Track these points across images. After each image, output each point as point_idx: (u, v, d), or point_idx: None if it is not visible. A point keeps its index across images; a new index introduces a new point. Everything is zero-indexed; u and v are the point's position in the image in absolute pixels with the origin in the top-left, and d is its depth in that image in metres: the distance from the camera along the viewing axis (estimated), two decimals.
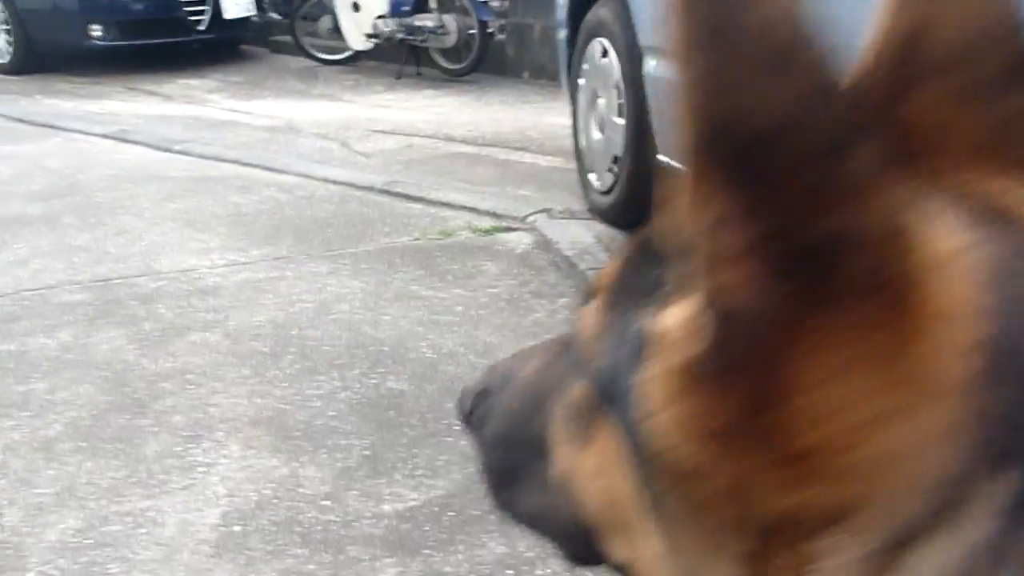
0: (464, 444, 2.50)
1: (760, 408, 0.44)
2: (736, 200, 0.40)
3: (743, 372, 0.44)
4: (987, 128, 0.53)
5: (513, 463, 0.76)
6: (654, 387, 0.48)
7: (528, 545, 2.10)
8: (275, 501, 2.30)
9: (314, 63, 9.65)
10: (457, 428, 2.59)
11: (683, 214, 0.44)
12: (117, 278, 3.79)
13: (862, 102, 0.45)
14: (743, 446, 0.45)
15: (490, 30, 8.41)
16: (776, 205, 0.39)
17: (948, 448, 0.41)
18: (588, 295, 0.63)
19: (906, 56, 0.54)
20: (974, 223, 0.45)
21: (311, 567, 2.06)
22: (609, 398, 0.56)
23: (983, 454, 0.41)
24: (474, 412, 0.83)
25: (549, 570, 2.03)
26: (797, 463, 0.44)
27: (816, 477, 0.43)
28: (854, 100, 0.41)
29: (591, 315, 0.61)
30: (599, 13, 4.25)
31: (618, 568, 0.65)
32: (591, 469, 0.61)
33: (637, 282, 0.56)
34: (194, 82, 9.06)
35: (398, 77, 8.80)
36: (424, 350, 3.09)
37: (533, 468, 0.71)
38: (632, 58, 3.85)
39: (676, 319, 0.47)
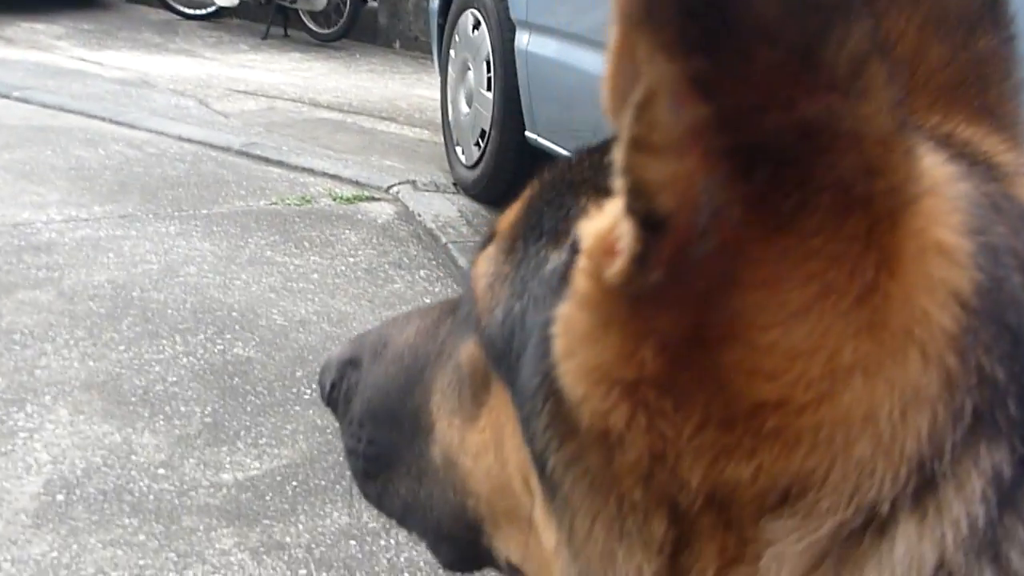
0: (312, 413, 2.42)
1: (698, 350, 0.36)
2: (682, 68, 0.30)
3: (675, 300, 0.35)
4: (957, 69, 0.48)
5: (385, 445, 0.65)
6: (559, 329, 0.40)
7: (372, 516, 2.05)
8: (104, 469, 2.17)
9: (174, 16, 9.16)
10: (306, 397, 2.51)
11: (607, 89, 0.34)
12: None
13: None
14: (673, 400, 0.37)
15: None
16: (737, 79, 0.30)
17: (923, 411, 0.35)
18: (486, 239, 0.54)
19: None
20: (950, 162, 0.39)
21: (140, 537, 1.95)
22: (500, 359, 0.48)
23: (963, 421, 0.35)
24: (337, 386, 0.71)
25: (393, 540, 1.99)
26: (745, 423, 0.36)
27: (769, 441, 0.36)
28: None
29: (487, 262, 0.52)
30: None
31: (509, 572, 0.56)
32: (477, 445, 0.53)
33: (543, 221, 0.48)
34: (40, 26, 8.44)
35: (264, 37, 8.47)
36: (275, 317, 2.98)
37: (409, 450, 0.62)
38: (504, 31, 3.82)
39: (588, 233, 0.38)
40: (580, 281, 0.38)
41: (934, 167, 0.37)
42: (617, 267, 0.35)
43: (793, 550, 0.36)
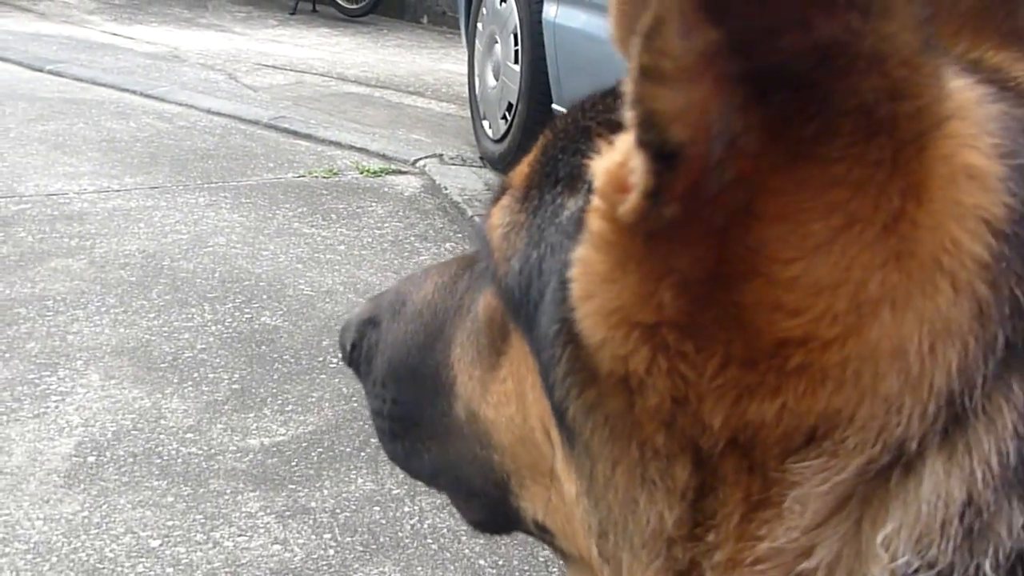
0: (338, 382, 2.45)
1: (718, 289, 0.35)
2: None
3: (692, 237, 0.34)
4: None
5: (409, 403, 0.64)
6: (576, 273, 0.39)
7: (397, 482, 2.07)
8: (134, 432, 2.20)
9: None
10: (332, 365, 2.53)
11: (614, 17, 0.34)
12: None
13: None
14: (694, 341, 0.36)
15: None
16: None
17: (953, 344, 0.33)
18: (500, 191, 0.53)
19: None
20: (980, 86, 0.37)
21: (169, 499, 1.98)
22: (518, 308, 0.47)
23: (995, 354, 0.33)
24: (358, 346, 0.70)
25: (416, 507, 2.01)
26: (769, 361, 0.35)
27: (794, 379, 0.35)
28: None
29: (501, 212, 0.51)
30: None
31: (537, 532, 0.54)
32: (499, 396, 0.52)
33: (559, 168, 0.47)
34: (72, 1, 8.52)
35: (292, 12, 8.48)
36: (302, 287, 3.00)
37: (433, 408, 0.61)
38: (531, 3, 3.80)
39: (599, 170, 0.36)
40: (594, 221, 0.37)
41: (962, 89, 0.35)
42: (630, 203, 0.34)
43: (818, 491, 0.35)
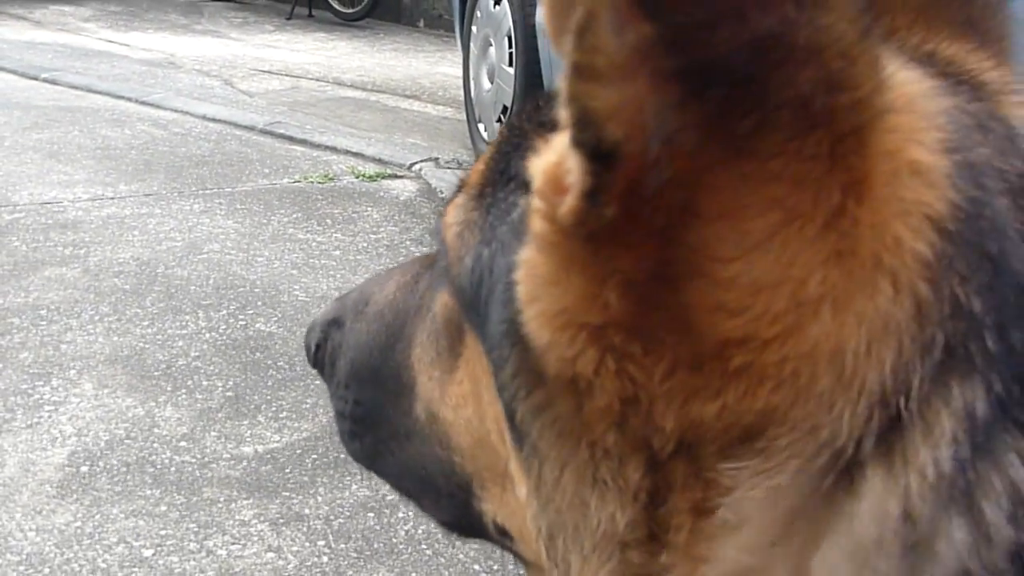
0: None
1: (662, 289, 0.34)
2: None
3: (633, 237, 0.33)
4: None
5: (371, 404, 0.64)
6: (522, 275, 0.38)
7: (391, 488, 2.06)
8: (128, 442, 2.19)
9: None
10: None
11: (547, 13, 0.32)
12: None
13: None
14: (641, 343, 0.35)
15: None
16: None
17: (889, 343, 0.32)
18: (455, 191, 0.53)
19: None
20: (930, 79, 0.37)
21: (162, 508, 1.97)
22: (471, 307, 0.47)
23: (932, 356, 0.32)
24: (322, 347, 0.70)
25: (411, 513, 1.99)
26: (712, 363, 0.34)
27: (735, 379, 0.34)
28: None
29: (456, 210, 0.51)
30: None
31: (497, 536, 0.54)
32: (456, 398, 0.52)
33: (511, 165, 0.47)
34: (68, 9, 8.52)
35: (288, 18, 8.48)
36: (297, 293, 2.99)
37: (396, 409, 0.60)
38: (525, 6, 3.79)
39: (536, 171, 0.36)
40: (536, 222, 0.36)
41: (909, 82, 0.34)
42: (568, 204, 0.33)
43: (753, 497, 0.34)
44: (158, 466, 2.11)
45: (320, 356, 0.69)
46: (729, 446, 0.35)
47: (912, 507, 0.32)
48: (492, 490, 0.52)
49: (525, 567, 0.54)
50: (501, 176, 0.48)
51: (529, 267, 0.37)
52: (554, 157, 0.35)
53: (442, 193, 3.96)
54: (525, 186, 0.44)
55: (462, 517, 0.58)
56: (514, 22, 3.91)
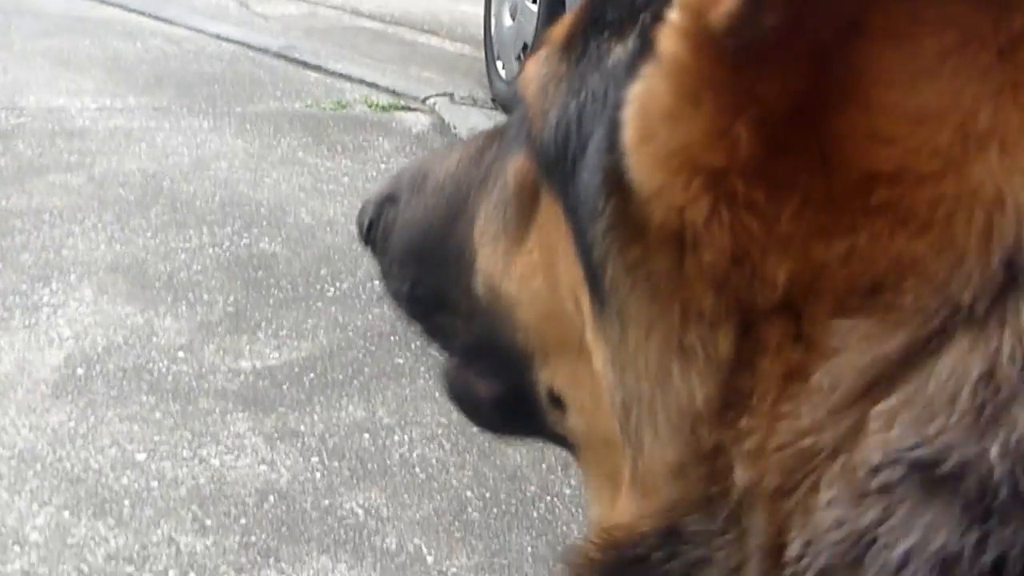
0: (334, 310, 2.41)
1: (803, 122, 0.31)
2: None
3: (786, 56, 0.30)
4: None
5: (431, 285, 0.61)
6: (632, 112, 0.35)
7: (388, 411, 2.05)
8: (125, 348, 2.17)
9: None
10: (329, 295, 2.50)
11: None
12: None
13: None
14: (766, 189, 0.32)
15: None
16: None
17: None
18: (534, 49, 0.50)
19: None
20: None
21: (157, 415, 1.96)
22: (553, 166, 0.44)
23: None
24: (375, 224, 0.67)
25: (406, 436, 1.98)
26: (849, 198, 0.31)
27: (873, 216, 0.31)
28: None
29: (538, 65, 0.47)
30: None
31: (552, 404, 0.52)
32: (524, 269, 0.49)
33: (607, 14, 0.44)
34: None
35: None
36: (303, 215, 2.96)
37: (457, 288, 0.58)
38: None
39: None
40: (668, 41, 0.33)
41: None
42: (726, 6, 0.30)
43: (857, 363, 0.31)
44: (155, 374, 2.10)
45: (372, 234, 0.66)
46: (848, 297, 0.32)
47: (998, 368, 0.29)
48: (556, 363, 0.49)
49: (573, 446, 0.52)
50: (594, 26, 0.44)
51: (645, 101, 0.34)
52: None
53: (455, 129, 3.90)
54: (621, 32, 0.41)
55: (516, 389, 0.55)
56: None
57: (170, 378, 2.09)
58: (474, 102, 4.32)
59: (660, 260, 0.36)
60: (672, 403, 0.37)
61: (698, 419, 0.36)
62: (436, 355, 2.30)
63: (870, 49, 0.30)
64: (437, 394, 2.13)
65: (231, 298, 2.44)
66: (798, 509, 0.32)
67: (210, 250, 2.67)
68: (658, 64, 0.34)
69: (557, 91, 0.45)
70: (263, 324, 2.35)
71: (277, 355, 2.23)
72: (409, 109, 4.15)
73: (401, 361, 2.24)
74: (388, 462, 1.91)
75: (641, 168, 0.35)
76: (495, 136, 0.58)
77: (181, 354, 2.18)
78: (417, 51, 5.26)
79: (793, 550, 0.32)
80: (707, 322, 0.35)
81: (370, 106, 4.10)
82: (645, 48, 0.36)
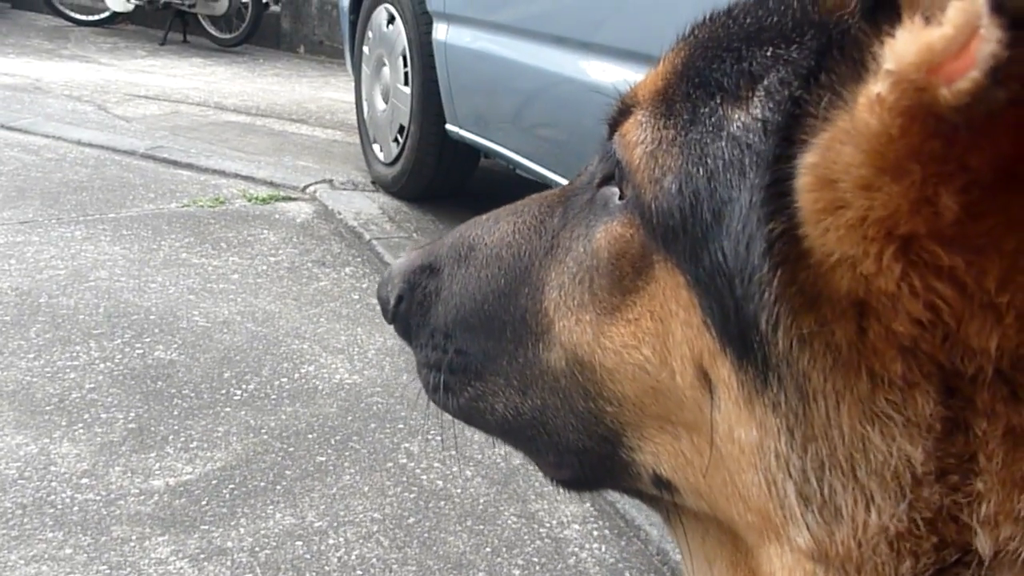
0: (244, 414, 2.31)
1: (1008, 185, 0.30)
2: None
3: (1006, 122, 0.29)
4: None
5: (478, 355, 0.59)
6: (812, 182, 0.34)
7: (318, 514, 1.96)
8: (21, 482, 2.01)
9: (64, 22, 8.78)
10: (237, 397, 2.39)
11: None
12: None
13: None
14: (965, 255, 0.31)
15: (264, 0, 8.00)
16: None
17: None
18: (623, 111, 0.49)
19: None
20: None
21: (67, 551, 1.81)
22: (675, 234, 0.42)
23: None
24: (406, 297, 0.64)
25: (342, 538, 1.90)
26: None
27: None
28: None
29: (639, 128, 0.46)
30: None
31: (654, 487, 0.49)
32: (624, 339, 0.47)
33: (713, 78, 0.42)
34: None
35: (162, 43, 8.18)
36: (196, 318, 2.84)
37: (512, 359, 0.56)
38: (420, 25, 3.75)
39: (900, 52, 0.31)
40: (868, 116, 0.32)
41: None
42: (967, 84, 0.29)
43: None
44: (58, 506, 1.94)
45: (401, 308, 0.63)
46: None
47: None
48: (660, 439, 0.47)
49: (682, 523, 0.49)
50: (701, 89, 0.44)
51: (829, 172, 0.33)
52: (948, 30, 0.30)
53: (340, 214, 3.86)
54: (736, 96, 0.41)
55: (594, 470, 0.53)
56: (409, 41, 3.87)
57: (76, 508, 1.94)
58: (354, 186, 4.30)
59: (840, 330, 0.35)
60: (880, 466, 0.35)
61: (918, 481, 0.35)
62: (356, 447, 2.22)
63: None
64: (366, 488, 2.06)
65: (131, 414, 2.30)
66: None
67: (101, 365, 2.52)
68: (848, 134, 0.33)
69: (669, 157, 0.44)
70: (170, 437, 2.22)
71: (191, 469, 2.10)
72: (290, 199, 4.09)
73: (323, 459, 2.16)
74: (327, 568, 1.82)
75: (827, 238, 0.34)
76: (555, 204, 0.57)
77: (85, 481, 2.03)
78: (289, 141, 5.21)
79: None
80: (898, 389, 0.34)
81: (249, 200, 4.02)
82: (796, 116, 0.36)
